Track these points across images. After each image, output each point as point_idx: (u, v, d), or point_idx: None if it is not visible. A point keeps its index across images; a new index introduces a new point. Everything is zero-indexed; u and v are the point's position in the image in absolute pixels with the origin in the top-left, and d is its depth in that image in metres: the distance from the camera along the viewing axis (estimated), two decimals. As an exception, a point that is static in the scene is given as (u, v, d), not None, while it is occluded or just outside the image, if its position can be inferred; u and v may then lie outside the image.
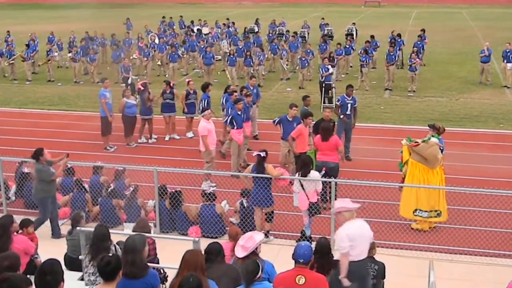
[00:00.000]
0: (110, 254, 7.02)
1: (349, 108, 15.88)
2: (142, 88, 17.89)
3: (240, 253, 7.30)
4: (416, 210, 11.87)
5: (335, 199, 11.26)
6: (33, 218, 10.55)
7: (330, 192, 11.45)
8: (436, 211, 11.81)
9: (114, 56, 27.58)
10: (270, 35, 33.94)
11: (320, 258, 7.59)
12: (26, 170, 13.70)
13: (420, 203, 11.81)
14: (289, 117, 14.51)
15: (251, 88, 17.51)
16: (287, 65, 28.37)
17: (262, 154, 11.69)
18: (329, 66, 22.64)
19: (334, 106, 17.67)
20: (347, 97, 16.10)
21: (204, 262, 6.45)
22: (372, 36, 30.17)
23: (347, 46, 28.55)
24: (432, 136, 12.17)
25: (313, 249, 7.35)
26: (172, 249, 7.57)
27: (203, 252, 6.82)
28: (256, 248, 7.37)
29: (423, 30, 31.34)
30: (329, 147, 12.91)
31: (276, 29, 35.69)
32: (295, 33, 32.79)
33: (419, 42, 28.60)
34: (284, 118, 14.66)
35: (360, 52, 26.18)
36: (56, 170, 11.84)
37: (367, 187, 12.91)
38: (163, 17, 41.32)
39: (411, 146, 11.95)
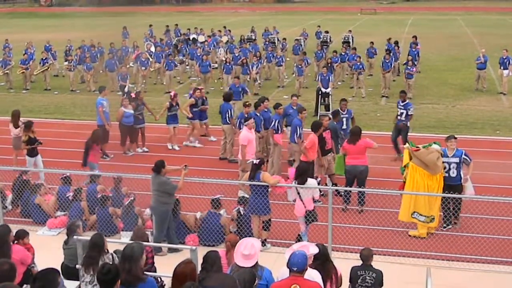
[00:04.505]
0: (110, 263, 7.05)
1: (344, 122, 15.71)
2: (133, 97, 18.00)
3: (244, 262, 7.20)
4: (414, 212, 11.91)
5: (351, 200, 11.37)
6: (29, 227, 10.54)
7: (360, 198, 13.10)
8: (430, 216, 11.84)
9: (110, 65, 27.47)
10: (267, 43, 34.03)
11: (318, 265, 7.59)
12: (24, 177, 13.70)
13: (419, 207, 11.85)
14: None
15: (294, 107, 16.31)
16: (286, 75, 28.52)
17: (255, 161, 11.70)
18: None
19: (331, 114, 17.61)
20: (341, 111, 15.82)
21: (195, 272, 6.47)
22: (372, 43, 30.30)
23: (343, 54, 28.57)
24: (434, 143, 12.25)
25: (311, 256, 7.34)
26: (169, 258, 7.56)
27: (201, 261, 6.83)
28: None
29: (415, 37, 31.37)
30: (358, 150, 13.22)
31: (269, 37, 35.72)
32: (297, 40, 32.86)
33: (413, 50, 28.60)
34: (241, 115, 15.55)
35: (355, 59, 26.22)
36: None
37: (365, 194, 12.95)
38: (150, 25, 41.00)
39: (412, 151, 12.04)
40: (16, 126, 15.83)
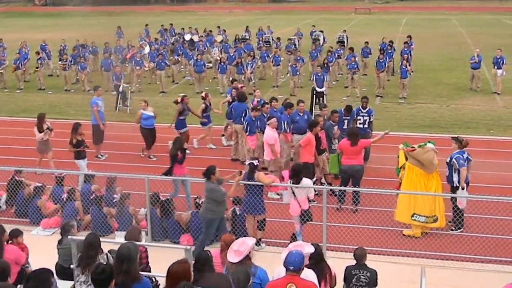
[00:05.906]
0: (105, 263, 7.05)
1: (345, 124, 15.57)
2: (179, 101, 17.41)
3: (233, 258, 7.28)
4: (414, 214, 11.90)
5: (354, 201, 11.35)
6: (23, 227, 10.51)
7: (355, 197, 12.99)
8: (433, 216, 11.84)
9: (105, 65, 27.40)
10: (261, 42, 34.03)
11: (312, 264, 7.61)
12: (17, 178, 13.63)
13: (418, 207, 11.86)
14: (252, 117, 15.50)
15: (300, 114, 15.51)
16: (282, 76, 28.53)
17: (255, 162, 11.72)
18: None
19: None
20: (344, 114, 15.70)
21: (189, 272, 6.48)
22: (367, 43, 30.35)
23: (332, 52, 28.43)
24: (429, 142, 12.28)
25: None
26: (164, 257, 7.55)
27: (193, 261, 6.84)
28: (249, 253, 7.38)
29: (410, 37, 31.40)
30: (355, 151, 13.22)
31: (263, 36, 35.74)
32: (290, 39, 32.89)
33: (406, 49, 28.55)
34: (249, 119, 15.54)
35: (349, 58, 26.23)
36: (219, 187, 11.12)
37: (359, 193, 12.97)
38: (146, 24, 41.08)
39: (407, 151, 12.06)
40: (40, 130, 15.55)
